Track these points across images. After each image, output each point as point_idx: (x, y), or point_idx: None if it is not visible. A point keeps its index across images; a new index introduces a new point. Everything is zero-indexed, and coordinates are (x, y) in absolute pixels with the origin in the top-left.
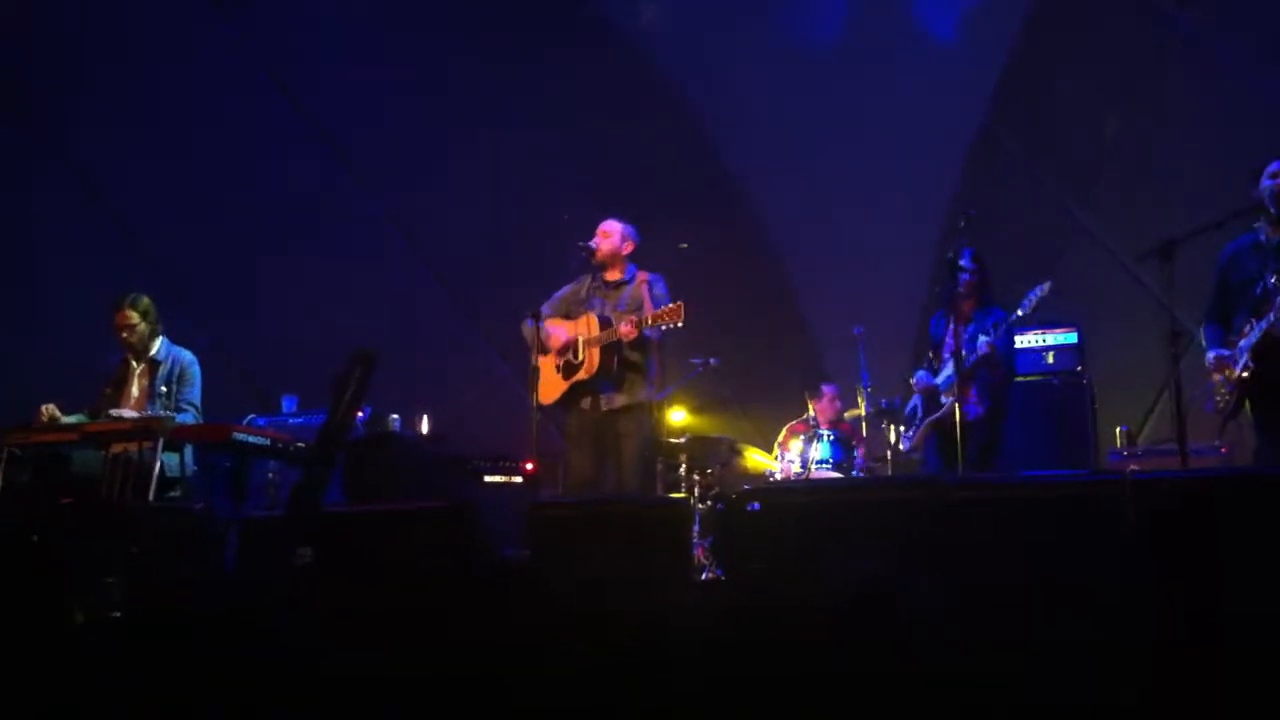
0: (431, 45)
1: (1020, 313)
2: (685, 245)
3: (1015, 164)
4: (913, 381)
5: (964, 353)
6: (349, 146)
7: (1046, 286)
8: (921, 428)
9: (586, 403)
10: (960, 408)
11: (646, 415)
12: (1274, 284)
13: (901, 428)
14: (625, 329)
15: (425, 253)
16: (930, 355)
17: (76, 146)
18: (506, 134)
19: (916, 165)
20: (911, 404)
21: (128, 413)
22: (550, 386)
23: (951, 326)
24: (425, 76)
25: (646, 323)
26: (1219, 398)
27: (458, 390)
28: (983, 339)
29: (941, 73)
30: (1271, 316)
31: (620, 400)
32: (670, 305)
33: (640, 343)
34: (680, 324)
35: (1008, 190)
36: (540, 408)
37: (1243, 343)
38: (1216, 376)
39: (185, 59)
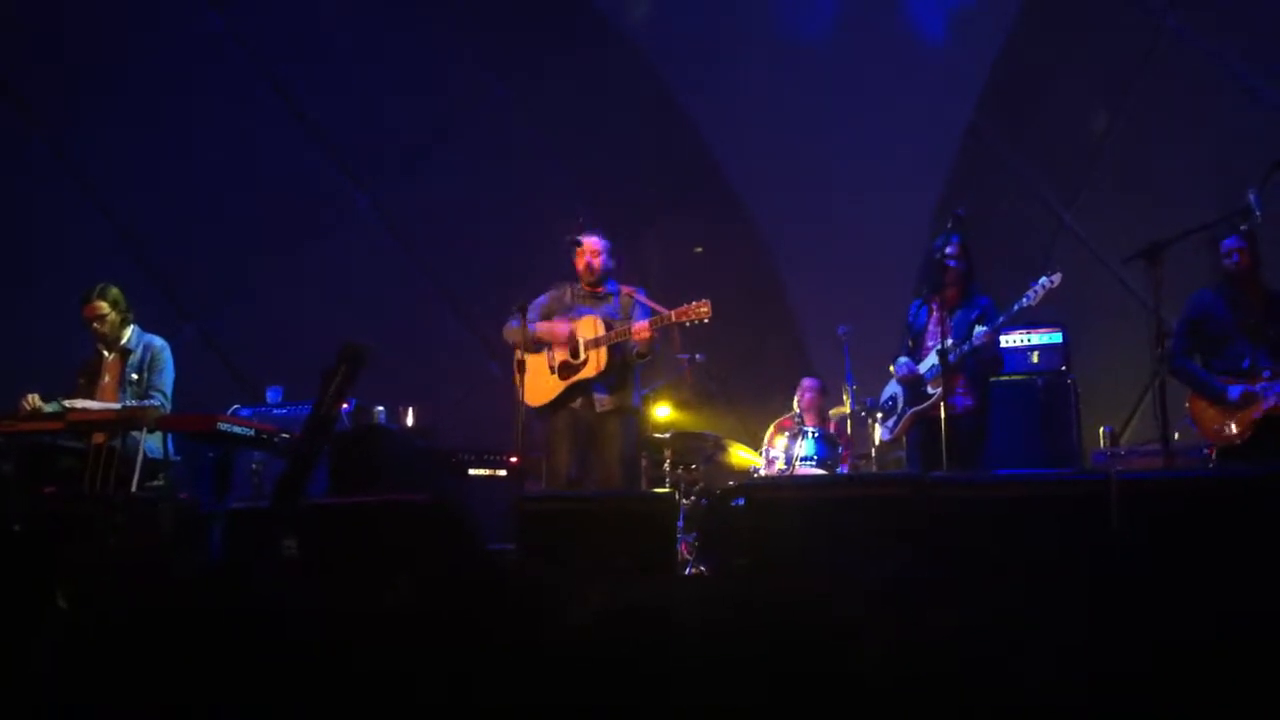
0: (428, 45)
1: (1025, 303)
2: (700, 249)
3: (1003, 164)
4: (893, 369)
5: (953, 341)
6: (341, 144)
7: (1057, 278)
8: (906, 417)
9: (578, 403)
10: (947, 399)
11: (634, 419)
12: None
13: (880, 415)
14: (639, 329)
15: (414, 248)
16: (910, 344)
17: (69, 141)
18: (498, 131)
19: (905, 164)
20: (889, 392)
21: (80, 403)
22: (541, 387)
23: (935, 315)
24: (420, 76)
25: (670, 319)
26: (1229, 429)
27: (443, 384)
28: (980, 329)
29: (931, 72)
30: None
31: (611, 403)
32: (696, 302)
33: (646, 347)
34: (707, 320)
35: (995, 190)
36: (527, 407)
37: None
38: (1234, 417)
39: (181, 55)
